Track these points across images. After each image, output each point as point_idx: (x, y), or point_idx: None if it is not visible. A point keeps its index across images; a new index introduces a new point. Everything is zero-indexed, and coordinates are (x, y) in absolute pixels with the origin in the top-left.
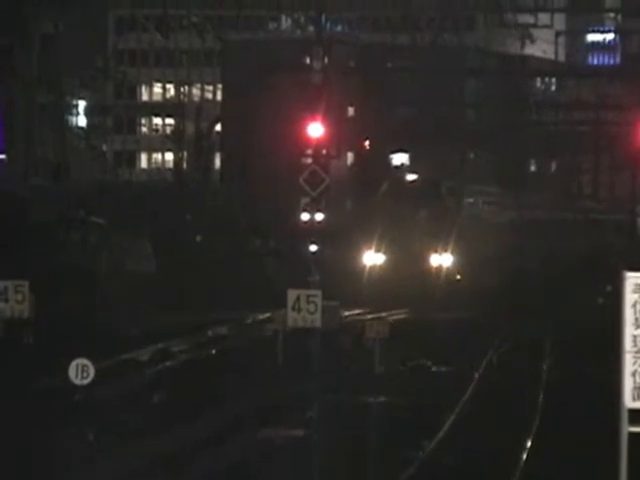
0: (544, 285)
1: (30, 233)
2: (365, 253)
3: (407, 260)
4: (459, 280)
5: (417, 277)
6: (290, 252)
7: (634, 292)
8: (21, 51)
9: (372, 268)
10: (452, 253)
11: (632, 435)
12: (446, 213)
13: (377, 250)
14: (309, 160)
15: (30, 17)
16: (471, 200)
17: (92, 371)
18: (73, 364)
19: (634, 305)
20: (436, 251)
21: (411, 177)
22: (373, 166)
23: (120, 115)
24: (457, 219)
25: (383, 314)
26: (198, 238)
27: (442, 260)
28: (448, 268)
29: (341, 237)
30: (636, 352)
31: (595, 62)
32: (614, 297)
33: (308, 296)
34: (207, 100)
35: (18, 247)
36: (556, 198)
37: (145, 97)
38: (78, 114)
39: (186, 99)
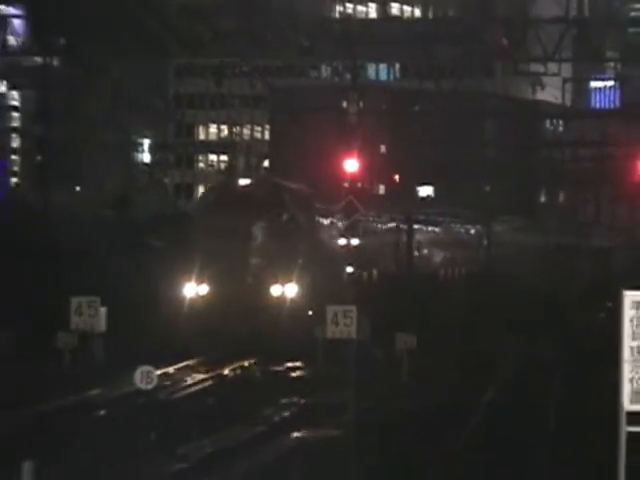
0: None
1: (87, 259)
2: (184, 285)
3: (238, 292)
4: (310, 316)
5: (251, 313)
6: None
7: (632, 308)
8: (92, 94)
9: (193, 301)
10: (298, 281)
11: (630, 434)
12: (291, 229)
13: (199, 280)
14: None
15: (100, 66)
16: (337, 221)
17: (155, 377)
18: (138, 371)
19: (632, 320)
20: (277, 280)
21: (244, 181)
22: (402, 197)
23: (180, 152)
24: (306, 236)
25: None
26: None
27: (285, 290)
28: (292, 300)
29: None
30: (633, 361)
31: (597, 105)
32: (614, 313)
33: (345, 311)
34: (256, 139)
35: (73, 272)
36: (561, 225)
37: (202, 136)
38: (143, 151)
39: (238, 138)
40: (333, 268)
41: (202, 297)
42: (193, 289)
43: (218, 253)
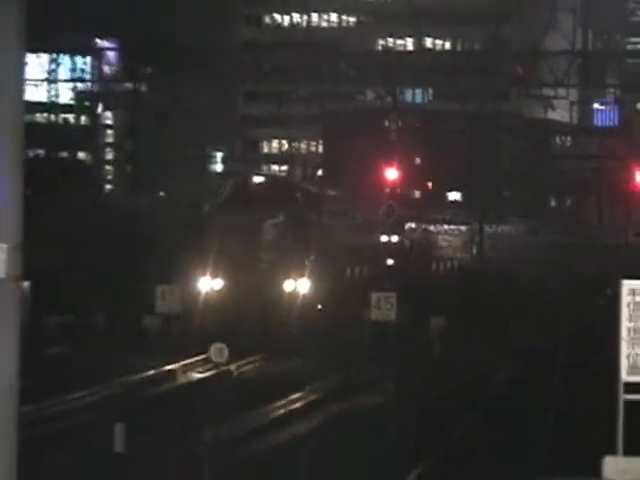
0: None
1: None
2: (200, 279)
3: (252, 287)
4: (320, 310)
5: (264, 309)
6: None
7: (628, 294)
8: (174, 115)
9: (208, 297)
10: (309, 277)
11: (627, 402)
12: (302, 225)
13: (214, 275)
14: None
15: (180, 90)
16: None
17: (226, 352)
18: (212, 347)
19: (628, 304)
20: (289, 276)
21: (259, 179)
22: (434, 201)
23: (247, 163)
24: (316, 233)
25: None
26: None
27: (298, 286)
28: (305, 296)
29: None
30: (630, 339)
31: (599, 124)
32: (613, 298)
33: (386, 297)
34: (311, 152)
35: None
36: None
37: (265, 150)
38: (216, 163)
39: (296, 152)
40: (344, 263)
41: (217, 291)
42: (208, 283)
43: (231, 248)
